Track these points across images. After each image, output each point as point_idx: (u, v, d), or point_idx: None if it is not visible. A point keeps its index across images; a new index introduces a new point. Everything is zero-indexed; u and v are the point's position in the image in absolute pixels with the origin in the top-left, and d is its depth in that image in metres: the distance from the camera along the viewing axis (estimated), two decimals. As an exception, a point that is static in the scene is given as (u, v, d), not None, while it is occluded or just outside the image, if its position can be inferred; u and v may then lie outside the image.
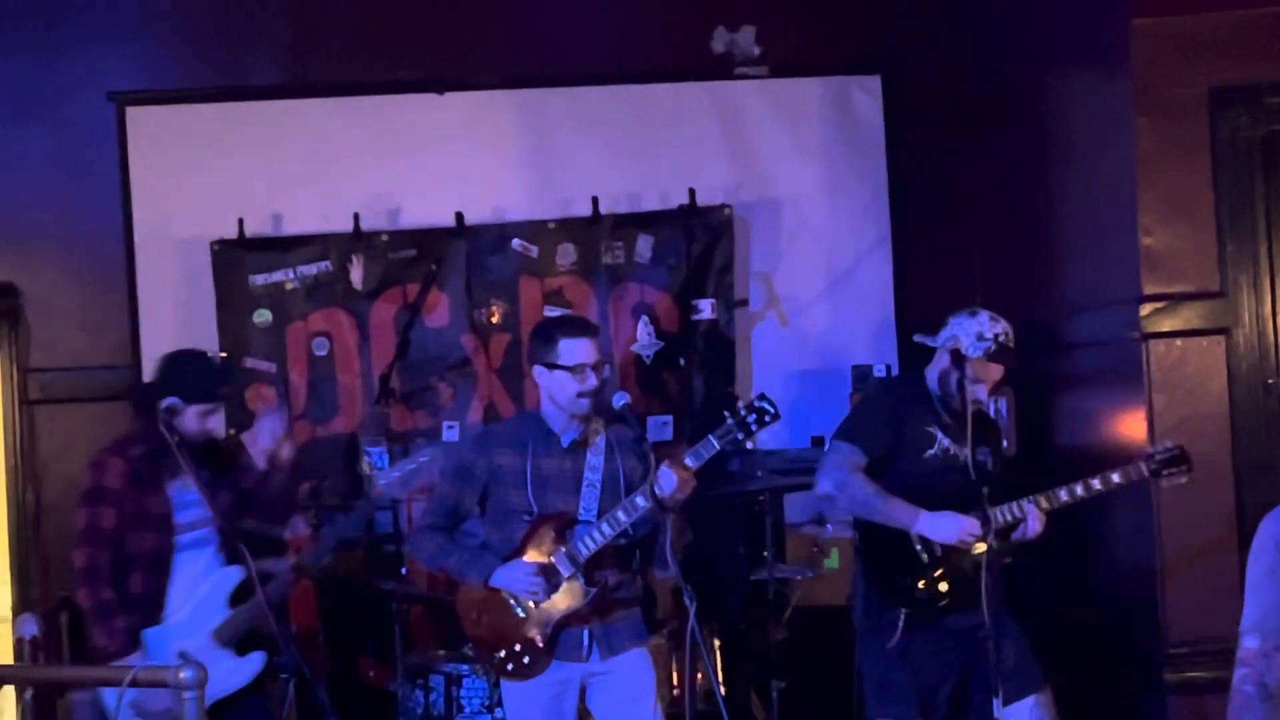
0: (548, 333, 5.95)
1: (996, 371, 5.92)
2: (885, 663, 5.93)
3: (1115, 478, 5.88)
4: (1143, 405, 6.44)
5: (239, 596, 5.93)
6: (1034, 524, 5.84)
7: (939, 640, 5.90)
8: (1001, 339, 5.90)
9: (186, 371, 6.03)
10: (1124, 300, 6.59)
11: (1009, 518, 5.85)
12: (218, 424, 6.02)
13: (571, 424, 5.92)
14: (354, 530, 6.29)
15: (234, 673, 5.90)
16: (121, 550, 5.84)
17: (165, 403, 5.89)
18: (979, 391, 5.93)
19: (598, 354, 5.88)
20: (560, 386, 5.85)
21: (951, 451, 5.96)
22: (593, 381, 5.83)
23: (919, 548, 5.87)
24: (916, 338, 6.22)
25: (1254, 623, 3.48)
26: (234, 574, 5.97)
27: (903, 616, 5.86)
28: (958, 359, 5.91)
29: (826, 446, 6.19)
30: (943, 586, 5.86)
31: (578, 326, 6.00)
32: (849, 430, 6.10)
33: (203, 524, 6.00)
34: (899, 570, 5.90)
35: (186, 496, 5.97)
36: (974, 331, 5.91)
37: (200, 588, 5.94)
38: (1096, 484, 5.87)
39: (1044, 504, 5.86)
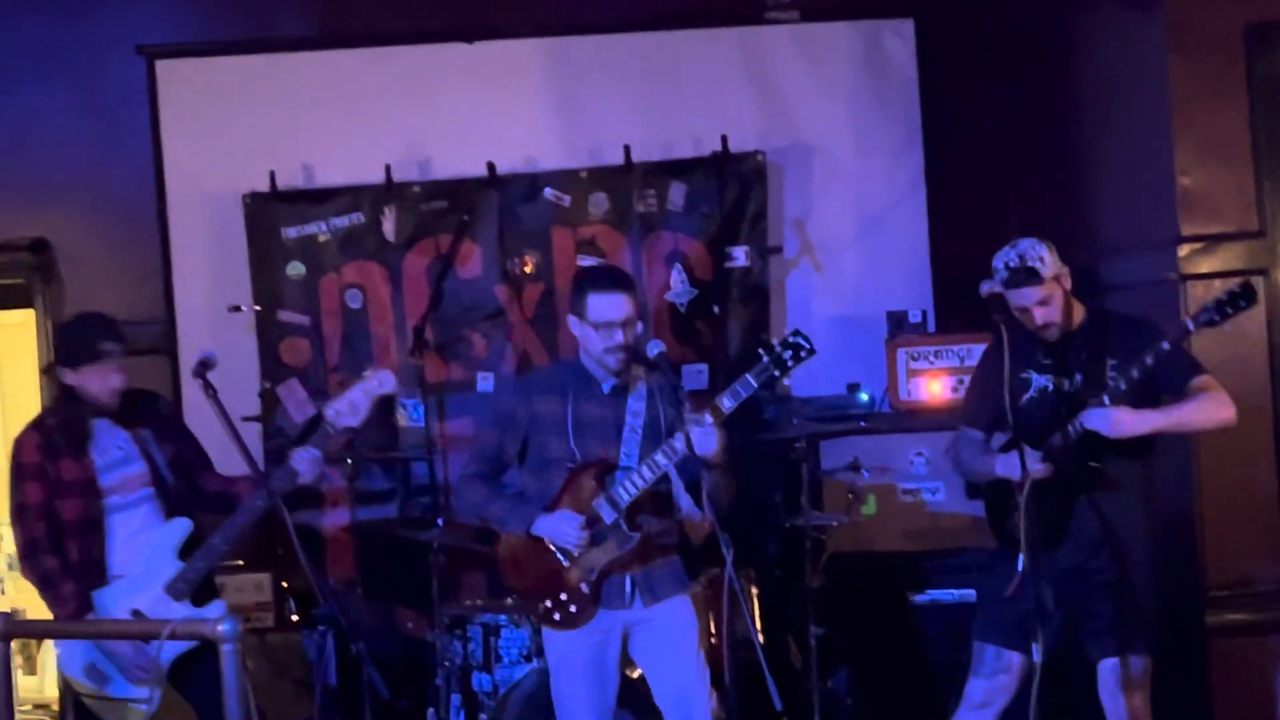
0: (580, 284, 5.91)
1: (1024, 297, 5.71)
2: (995, 594, 5.88)
3: (1165, 346, 5.50)
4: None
5: (188, 548, 5.88)
6: (1110, 425, 5.52)
7: (1045, 579, 5.70)
8: (1013, 264, 5.71)
9: (67, 337, 6.03)
10: (1161, 241, 6.55)
11: (1067, 436, 5.65)
12: (118, 380, 5.93)
13: (610, 372, 5.90)
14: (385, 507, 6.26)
15: None
16: (56, 520, 5.81)
17: (60, 373, 5.91)
18: (1035, 317, 5.71)
19: (629, 310, 5.78)
20: (590, 341, 5.82)
21: (1049, 388, 5.81)
22: (619, 339, 5.76)
23: (1017, 491, 5.80)
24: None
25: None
26: (180, 526, 5.91)
27: (1021, 562, 5.79)
28: (994, 298, 5.81)
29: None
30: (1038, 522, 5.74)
31: (609, 281, 5.90)
32: (962, 410, 6.20)
33: (137, 483, 5.94)
34: (1006, 516, 5.85)
35: (114, 457, 5.93)
36: (997, 263, 5.79)
37: (143, 545, 5.88)
38: (1149, 359, 5.49)
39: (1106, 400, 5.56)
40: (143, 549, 5.87)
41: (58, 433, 5.89)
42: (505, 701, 6.75)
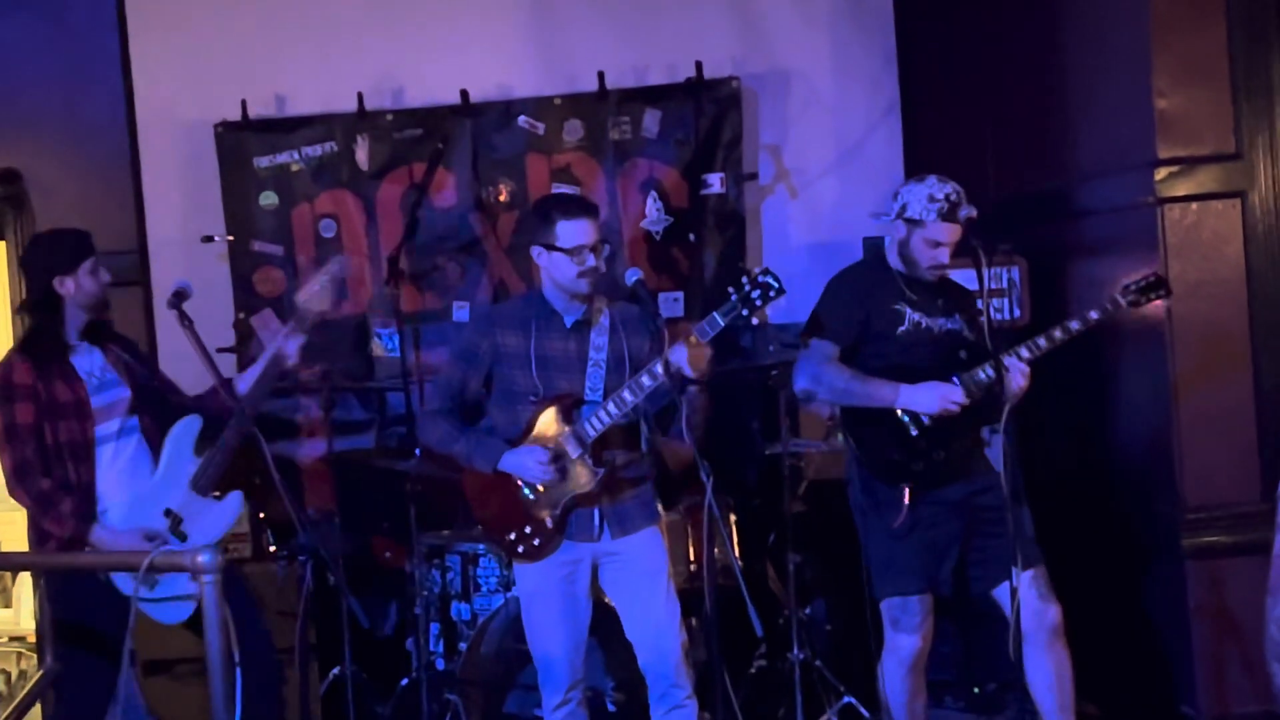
0: (545, 213, 5.92)
1: (951, 232, 5.85)
2: (889, 541, 5.93)
3: (1093, 315, 5.84)
4: (1158, 270, 6.39)
5: (204, 443, 5.93)
6: (1017, 377, 5.76)
7: (938, 512, 5.91)
8: (953, 198, 5.84)
9: (55, 246, 6.02)
10: (1138, 164, 6.53)
11: (988, 377, 5.77)
12: (106, 277, 6.00)
13: (574, 303, 5.89)
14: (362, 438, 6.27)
15: (220, 518, 5.92)
16: (44, 442, 5.79)
17: (56, 284, 5.89)
18: (940, 255, 5.89)
19: (596, 234, 5.84)
20: (559, 268, 5.83)
21: (923, 325, 5.95)
22: (591, 262, 5.80)
23: (906, 421, 5.87)
24: (871, 214, 6.20)
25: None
26: (193, 423, 5.97)
27: (906, 493, 5.86)
28: (911, 225, 5.91)
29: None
30: (938, 457, 5.87)
31: (576, 206, 5.95)
32: (817, 325, 6.08)
33: (123, 408, 5.94)
34: (891, 448, 5.91)
35: (99, 380, 5.93)
36: (924, 195, 5.87)
37: (140, 465, 5.90)
38: (1075, 324, 5.82)
39: (1025, 354, 5.79)
40: (140, 468, 5.91)
41: (46, 353, 5.86)
42: (484, 630, 6.77)
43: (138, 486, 5.87)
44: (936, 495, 5.90)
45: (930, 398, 5.82)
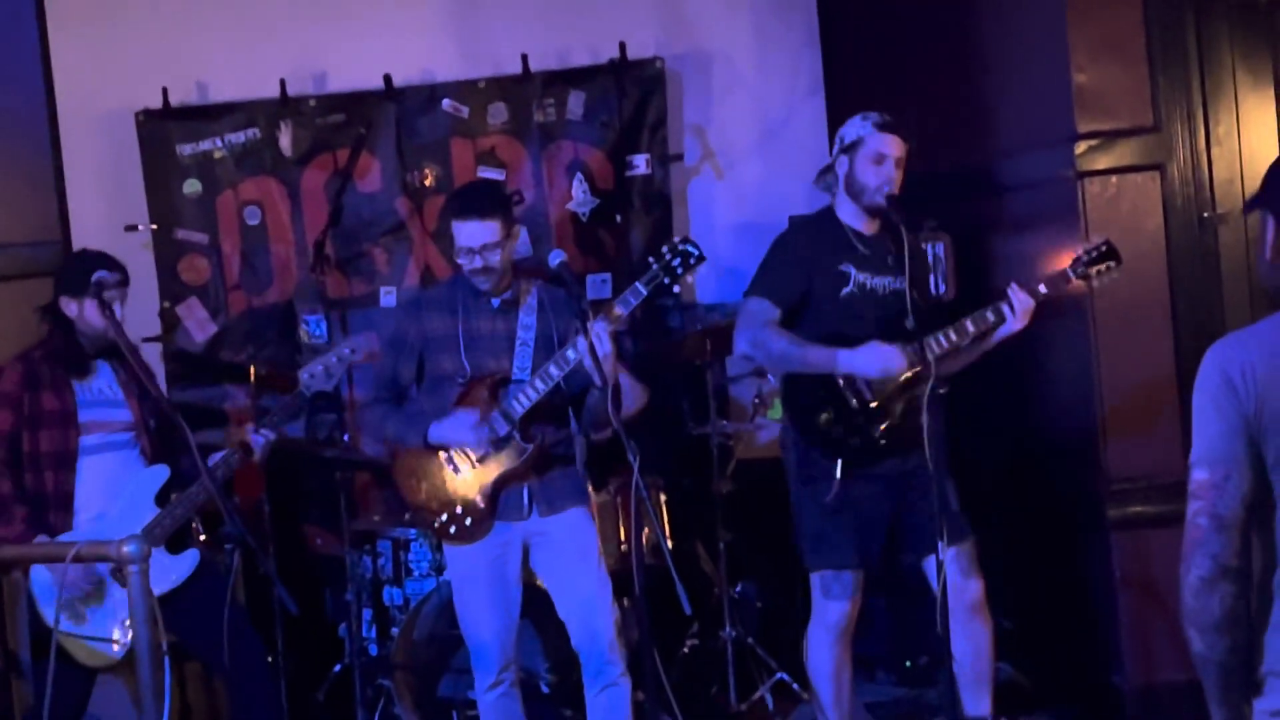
0: (447, 208, 6.03)
1: (894, 144, 5.77)
2: (821, 514, 5.86)
3: (1042, 289, 5.75)
4: (1079, 244, 6.41)
5: (166, 495, 5.92)
6: (1018, 318, 5.69)
7: (873, 487, 5.83)
8: (886, 116, 5.79)
9: (69, 268, 6.05)
10: (1058, 139, 6.58)
11: (947, 342, 5.71)
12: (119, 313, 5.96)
13: (500, 285, 5.89)
14: (291, 426, 6.21)
15: (168, 570, 5.88)
16: (20, 450, 5.84)
17: (63, 305, 5.95)
18: (888, 169, 5.77)
19: (488, 236, 5.78)
20: (462, 263, 5.85)
21: (868, 285, 5.84)
22: (478, 264, 5.79)
23: (848, 394, 5.80)
24: (814, 183, 6.12)
25: (1201, 454, 3.39)
26: (160, 473, 5.98)
27: (839, 467, 5.80)
28: (852, 150, 5.82)
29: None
30: (875, 432, 5.79)
31: (470, 206, 5.88)
32: (758, 284, 5.95)
33: (120, 426, 6.00)
34: (831, 419, 5.85)
35: (99, 396, 5.98)
36: (856, 119, 5.84)
37: (123, 488, 5.94)
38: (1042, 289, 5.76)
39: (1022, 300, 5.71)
40: (120, 491, 5.92)
41: (44, 365, 5.92)
42: (416, 615, 6.77)
43: (111, 508, 5.90)
44: (871, 471, 5.81)
45: (871, 359, 5.69)
